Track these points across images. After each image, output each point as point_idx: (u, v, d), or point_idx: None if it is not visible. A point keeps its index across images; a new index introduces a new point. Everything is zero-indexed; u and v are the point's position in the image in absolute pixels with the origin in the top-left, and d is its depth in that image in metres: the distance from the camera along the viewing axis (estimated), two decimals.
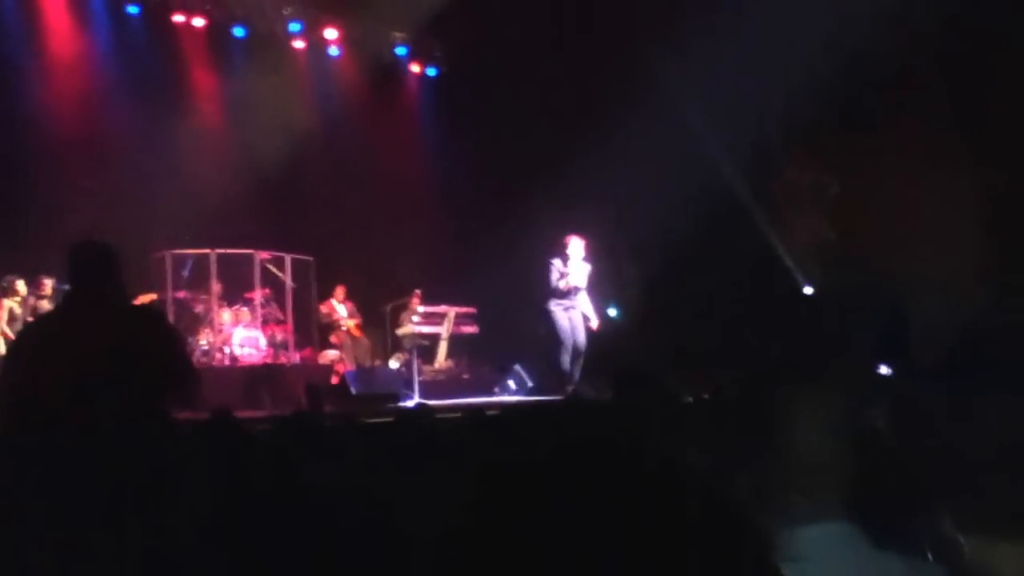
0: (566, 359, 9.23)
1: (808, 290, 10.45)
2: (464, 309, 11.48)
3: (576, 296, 9.27)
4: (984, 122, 8.85)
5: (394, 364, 11.46)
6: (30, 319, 9.07)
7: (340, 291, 11.89)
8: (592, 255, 9.45)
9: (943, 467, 1.94)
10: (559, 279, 9.14)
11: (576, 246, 9.23)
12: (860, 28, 8.70)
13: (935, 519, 1.72)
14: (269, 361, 10.57)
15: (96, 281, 3.53)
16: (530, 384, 10.35)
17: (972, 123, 8.89)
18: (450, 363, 11.71)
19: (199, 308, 10.80)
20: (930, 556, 1.66)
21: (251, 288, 11.01)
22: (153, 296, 9.79)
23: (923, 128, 9.19)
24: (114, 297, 3.60)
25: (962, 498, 1.79)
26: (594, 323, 9.37)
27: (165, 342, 3.61)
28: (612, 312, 9.85)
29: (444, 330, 11.45)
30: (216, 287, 10.77)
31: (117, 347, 3.39)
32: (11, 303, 9.13)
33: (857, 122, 9.91)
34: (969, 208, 8.97)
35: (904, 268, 9.18)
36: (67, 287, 8.97)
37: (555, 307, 9.24)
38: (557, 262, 9.21)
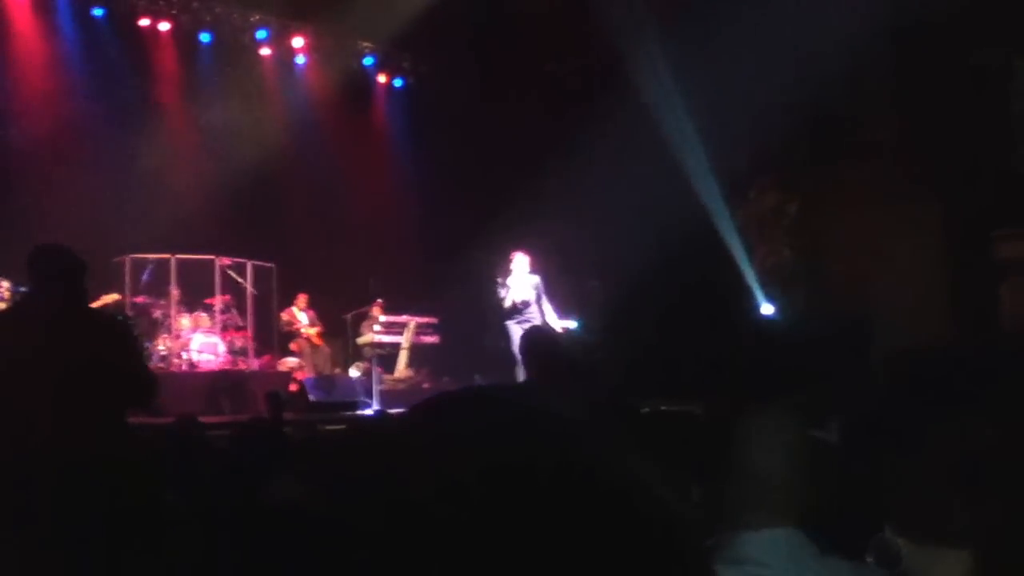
0: (518, 375, 9.33)
1: (767, 308, 10.61)
2: (425, 319, 11.50)
3: (528, 311, 9.36)
4: (940, 157, 9.12)
5: (354, 373, 11.46)
6: None
7: (302, 299, 11.85)
8: (547, 269, 9.55)
9: (889, 481, 2.03)
10: (503, 296, 9.24)
11: (520, 261, 9.32)
12: (824, 63, 8.94)
13: (876, 525, 1.81)
14: (228, 367, 10.52)
15: (57, 285, 3.53)
16: None
17: (929, 158, 9.17)
18: (410, 372, 11.72)
19: (158, 313, 10.72)
20: (870, 560, 1.74)
21: (212, 294, 10.95)
22: (116, 296, 9.71)
23: (883, 161, 9.48)
24: (72, 301, 3.60)
25: (904, 508, 1.88)
26: (557, 327, 9.43)
27: (120, 346, 3.60)
28: (572, 325, 9.90)
29: (405, 340, 11.47)
30: (175, 292, 10.70)
31: (73, 351, 3.38)
32: None
33: (820, 154, 10.18)
34: (926, 237, 9.24)
35: (863, 293, 9.41)
36: (24, 289, 8.84)
37: (510, 324, 9.31)
38: (500, 280, 9.31)
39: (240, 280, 11.15)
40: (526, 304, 9.27)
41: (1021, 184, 8.54)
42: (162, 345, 10.50)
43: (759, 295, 10.62)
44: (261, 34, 12.98)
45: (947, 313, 8.98)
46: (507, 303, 9.18)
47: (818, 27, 9.05)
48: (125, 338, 3.74)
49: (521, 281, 9.27)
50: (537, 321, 9.35)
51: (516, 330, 9.29)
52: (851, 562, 1.69)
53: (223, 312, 11.07)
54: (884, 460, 2.08)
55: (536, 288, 9.36)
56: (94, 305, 7.59)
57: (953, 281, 9.05)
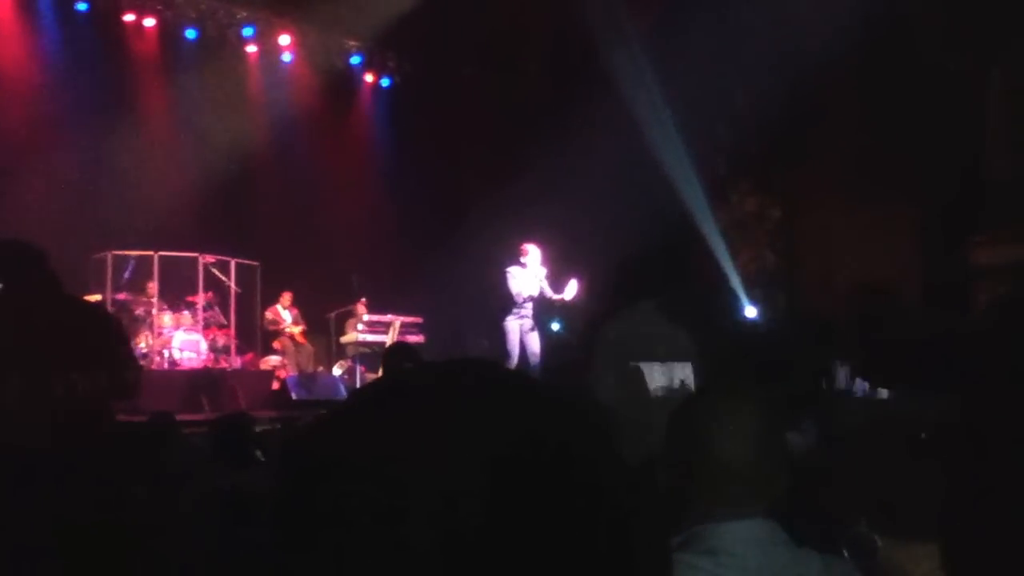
0: None
1: (751, 311, 10.64)
2: (410, 318, 11.47)
3: (530, 306, 9.27)
4: (915, 163, 9.19)
5: (337, 371, 11.42)
6: None
7: (286, 297, 11.81)
8: (545, 264, 9.50)
9: (862, 477, 2.02)
10: (514, 288, 9.11)
11: (533, 254, 9.23)
12: (801, 68, 8.98)
13: (851, 520, 1.79)
14: (209, 365, 10.46)
15: (28, 276, 3.51)
16: None
17: (905, 164, 9.25)
18: None
19: (139, 310, 10.63)
20: (846, 553, 1.73)
21: (194, 291, 10.89)
22: (97, 298, 9.64)
23: (858, 166, 9.55)
24: (49, 290, 3.57)
25: (877, 503, 1.86)
26: (570, 293, 9.27)
27: (103, 330, 3.57)
28: (555, 327, 9.87)
29: (389, 339, 11.42)
30: (157, 289, 10.63)
31: (57, 337, 3.35)
32: None
33: (797, 159, 10.25)
34: (901, 242, 9.31)
35: (838, 296, 9.47)
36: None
37: (510, 320, 9.20)
38: (513, 269, 9.19)
39: (223, 278, 11.09)
40: (532, 299, 9.17)
41: (995, 190, 8.62)
42: (143, 342, 10.42)
43: (742, 297, 10.65)
44: (247, 31, 12.91)
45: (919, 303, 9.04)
46: (523, 295, 9.02)
47: (795, 33, 9.10)
48: (101, 319, 3.69)
49: (532, 274, 9.17)
50: (531, 319, 9.26)
51: (514, 326, 9.19)
52: (826, 554, 1.67)
53: (206, 310, 11.00)
54: (857, 454, 2.06)
55: (542, 282, 9.26)
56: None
57: (927, 285, 9.12)
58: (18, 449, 3.09)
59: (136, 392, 3.61)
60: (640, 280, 10.22)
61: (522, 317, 9.23)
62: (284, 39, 13.16)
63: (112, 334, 3.65)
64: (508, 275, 9.14)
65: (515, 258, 9.25)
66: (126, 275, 10.59)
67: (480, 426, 0.55)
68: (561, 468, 0.54)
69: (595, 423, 0.59)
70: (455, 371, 0.62)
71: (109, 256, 10.27)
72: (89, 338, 3.44)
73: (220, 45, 12.67)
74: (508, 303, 9.18)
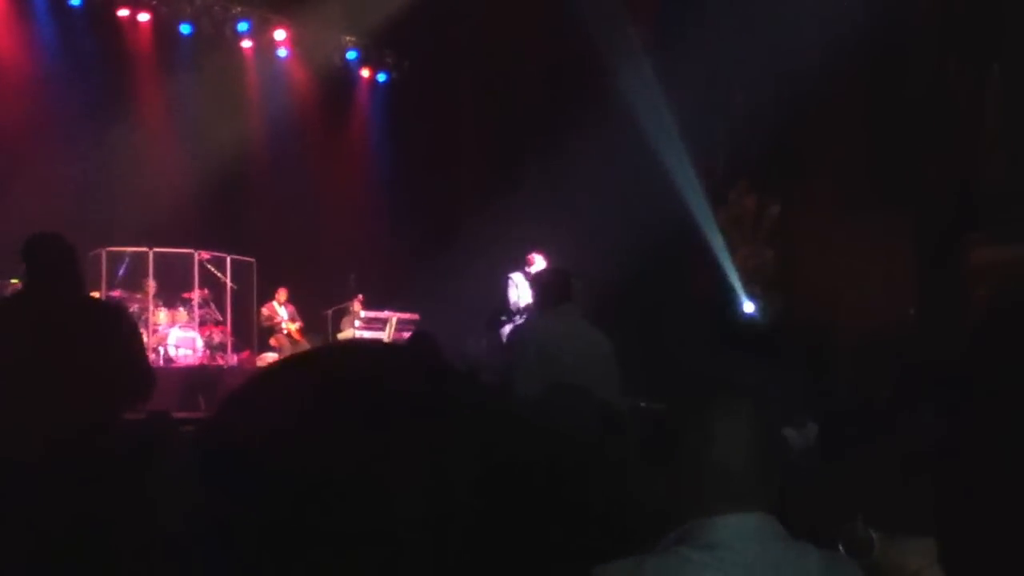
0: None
1: (748, 307, 10.65)
2: (406, 315, 11.45)
3: (526, 313, 9.18)
4: (911, 170, 9.22)
5: None
6: None
7: (282, 293, 11.79)
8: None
9: (860, 476, 2.02)
10: (513, 295, 9.01)
11: (539, 264, 9.07)
12: (794, 68, 9.00)
13: (848, 515, 1.79)
14: (205, 363, 10.44)
15: (57, 274, 3.47)
16: None
17: (901, 171, 9.28)
18: None
19: (134, 307, 10.59)
20: (842, 549, 1.73)
21: (190, 288, 10.87)
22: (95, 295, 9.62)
23: (851, 164, 9.57)
24: (75, 291, 3.54)
25: (875, 501, 1.86)
26: None
27: (126, 338, 3.53)
28: None
29: (385, 336, 11.41)
30: (152, 286, 10.60)
31: (78, 341, 3.31)
32: None
33: (794, 165, 10.28)
34: (897, 250, 9.34)
35: (834, 303, 9.50)
36: (24, 280, 8.77)
37: (506, 326, 9.12)
38: (516, 276, 9.07)
39: (219, 274, 11.07)
40: (529, 307, 9.07)
41: (991, 192, 8.63)
42: None
43: (741, 294, 10.65)
44: (242, 26, 12.87)
45: (916, 324, 9.05)
46: (520, 304, 8.91)
47: (793, 37, 9.10)
48: (125, 328, 3.65)
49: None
50: None
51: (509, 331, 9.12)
52: (822, 549, 1.67)
53: (201, 307, 10.98)
54: (854, 452, 2.07)
55: None
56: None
57: (921, 293, 9.14)
58: (18, 457, 3.06)
59: (149, 397, 3.57)
60: (641, 278, 10.22)
61: (517, 323, 9.17)
62: (279, 34, 13.12)
63: (130, 338, 3.61)
64: (510, 281, 9.04)
65: (520, 265, 9.12)
66: (121, 272, 10.57)
67: (469, 445, 0.54)
68: (549, 488, 0.55)
69: (584, 443, 0.59)
70: (445, 388, 0.61)
71: (104, 253, 10.24)
72: (107, 340, 3.40)
73: (215, 41, 12.63)
74: (505, 308, 9.11)
